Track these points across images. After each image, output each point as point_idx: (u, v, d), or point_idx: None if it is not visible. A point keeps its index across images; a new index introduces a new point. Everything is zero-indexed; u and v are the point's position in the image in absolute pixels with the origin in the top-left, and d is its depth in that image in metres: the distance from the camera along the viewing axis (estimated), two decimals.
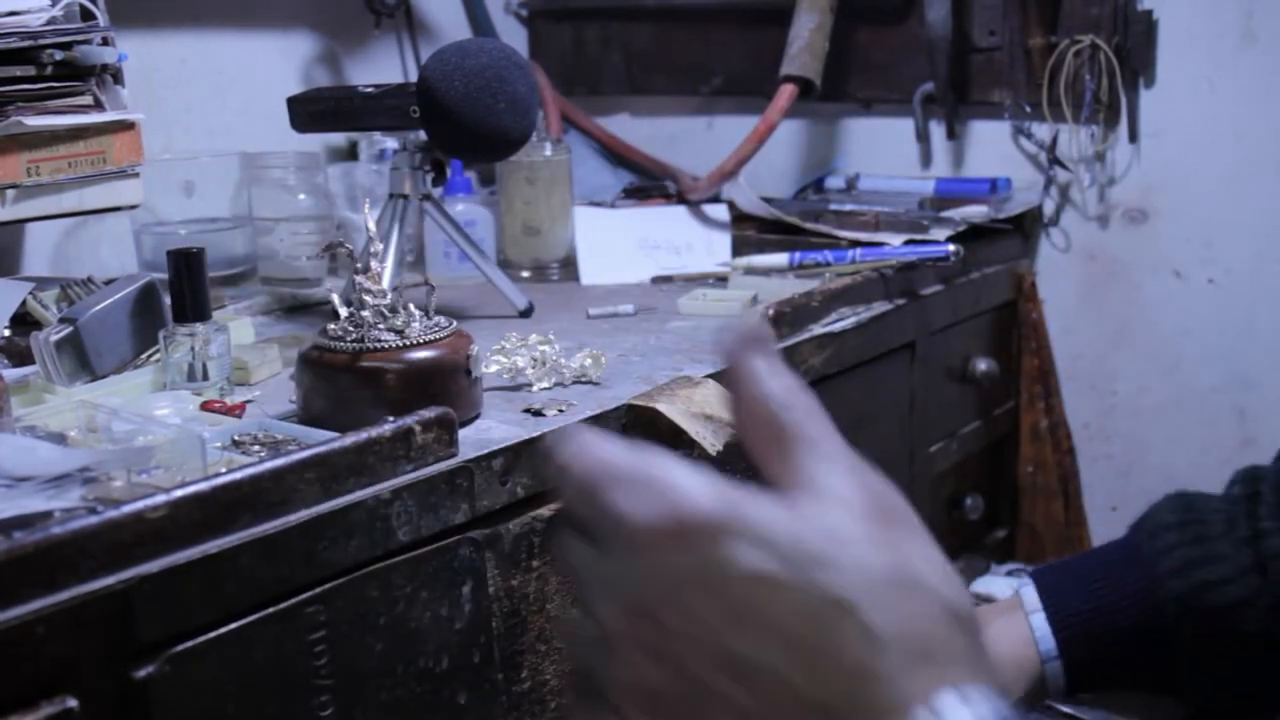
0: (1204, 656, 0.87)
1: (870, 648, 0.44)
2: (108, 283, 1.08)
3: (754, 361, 0.51)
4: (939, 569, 0.47)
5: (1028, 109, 1.56)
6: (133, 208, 1.15)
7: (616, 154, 1.77)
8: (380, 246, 0.92)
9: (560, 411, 0.93)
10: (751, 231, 1.55)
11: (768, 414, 0.51)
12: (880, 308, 1.27)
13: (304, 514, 0.72)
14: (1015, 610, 0.90)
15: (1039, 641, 0.89)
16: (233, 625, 0.68)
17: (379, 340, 0.87)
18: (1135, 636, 0.88)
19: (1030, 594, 0.91)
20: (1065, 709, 1.23)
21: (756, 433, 0.52)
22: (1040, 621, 0.89)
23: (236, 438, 0.86)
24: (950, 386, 1.46)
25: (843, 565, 0.45)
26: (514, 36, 1.94)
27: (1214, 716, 0.90)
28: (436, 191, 1.28)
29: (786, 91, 1.55)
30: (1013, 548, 1.64)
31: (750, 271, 1.36)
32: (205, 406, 0.93)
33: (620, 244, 1.48)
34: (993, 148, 1.62)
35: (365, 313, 0.88)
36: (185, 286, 0.97)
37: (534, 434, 0.87)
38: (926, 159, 1.68)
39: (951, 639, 0.46)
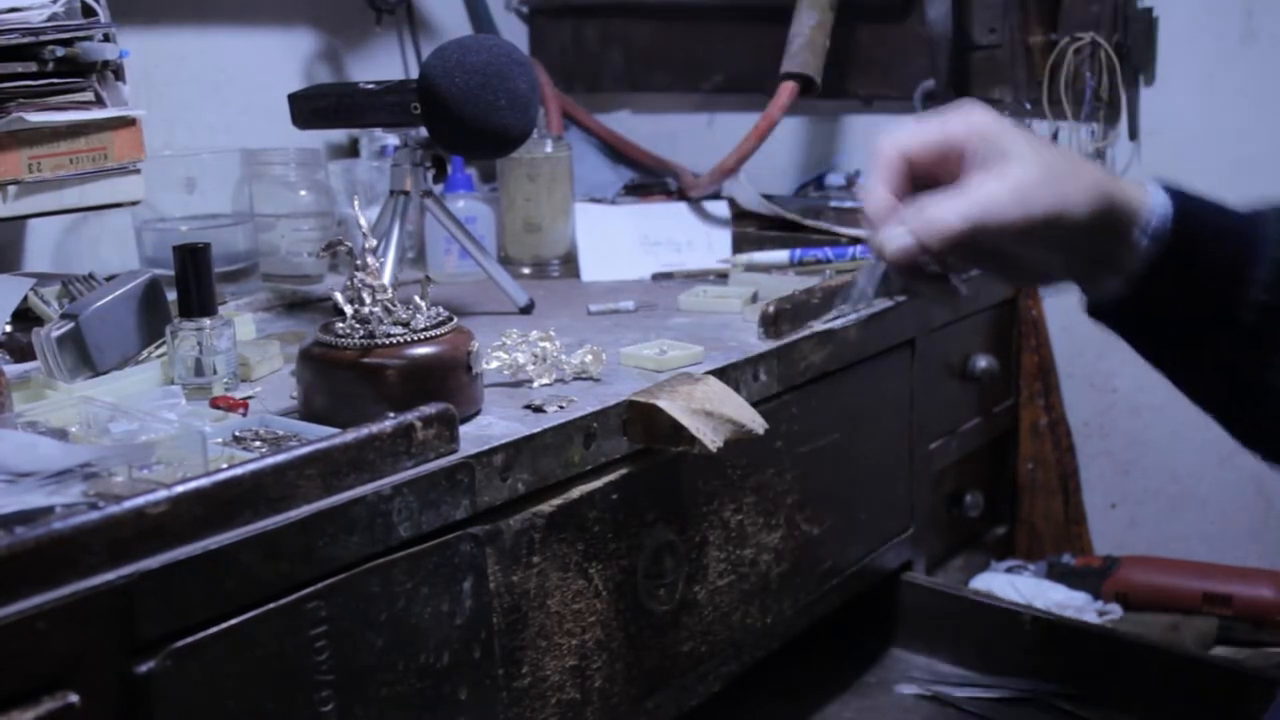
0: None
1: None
2: (109, 279, 1.08)
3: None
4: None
5: (1028, 106, 1.56)
6: (134, 204, 1.16)
7: (617, 151, 1.77)
8: (376, 242, 0.92)
9: (561, 408, 0.93)
10: (752, 228, 1.56)
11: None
12: (880, 305, 1.27)
13: (305, 510, 0.72)
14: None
15: (1154, 209, 0.78)
16: (234, 621, 0.68)
17: (388, 335, 0.87)
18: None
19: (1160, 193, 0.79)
20: (1065, 707, 1.23)
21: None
22: (1161, 203, 0.78)
23: (237, 434, 0.86)
24: (950, 384, 1.47)
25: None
26: (515, 33, 1.94)
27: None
28: (437, 188, 1.28)
29: (787, 89, 1.55)
30: (1012, 545, 1.65)
31: (751, 268, 1.36)
32: (214, 402, 0.93)
33: (621, 241, 1.49)
34: None
35: (369, 308, 0.88)
36: (191, 281, 0.97)
37: (534, 430, 0.87)
38: None
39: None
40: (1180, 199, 0.79)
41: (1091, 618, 1.42)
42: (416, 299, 0.91)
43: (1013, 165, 0.76)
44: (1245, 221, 0.80)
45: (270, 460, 0.71)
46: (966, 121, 0.79)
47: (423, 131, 1.19)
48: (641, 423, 0.95)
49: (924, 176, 0.80)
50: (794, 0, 1.60)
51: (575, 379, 1.01)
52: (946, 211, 0.76)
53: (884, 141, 0.83)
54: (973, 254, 0.81)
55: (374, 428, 0.77)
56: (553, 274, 1.48)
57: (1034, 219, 0.75)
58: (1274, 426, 0.82)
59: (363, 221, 0.92)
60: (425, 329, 0.89)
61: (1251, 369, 0.79)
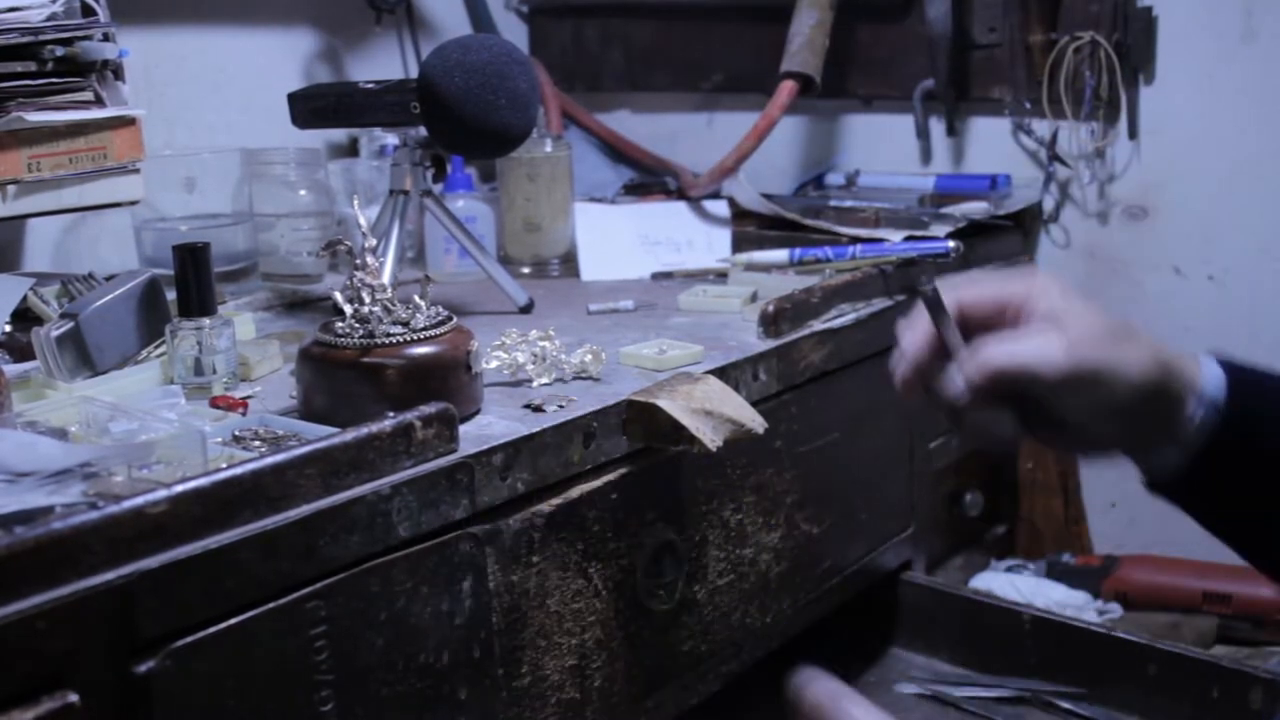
0: None
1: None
2: (109, 279, 1.08)
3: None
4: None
5: (1028, 106, 1.56)
6: (133, 204, 1.16)
7: (617, 150, 1.77)
8: (376, 242, 0.92)
9: (560, 407, 0.93)
10: (752, 228, 1.56)
11: None
12: (880, 304, 1.27)
13: (304, 509, 0.72)
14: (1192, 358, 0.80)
15: (1209, 379, 0.79)
16: (233, 620, 0.68)
17: (388, 335, 0.87)
18: None
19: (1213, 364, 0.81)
20: (1065, 706, 1.23)
21: None
22: (1215, 374, 0.79)
23: (237, 433, 0.86)
24: None
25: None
26: (515, 33, 1.94)
27: None
28: (437, 188, 1.28)
29: (787, 88, 1.55)
30: (1012, 544, 1.64)
31: (750, 267, 1.36)
32: (213, 402, 0.93)
33: (621, 240, 1.49)
34: (993, 144, 1.62)
35: (369, 308, 0.88)
36: (191, 281, 0.97)
37: (534, 430, 0.87)
38: (926, 156, 1.68)
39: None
40: (1234, 370, 0.80)
41: (1091, 617, 1.42)
42: (416, 298, 0.91)
43: (1070, 319, 0.77)
44: None
45: (270, 460, 0.71)
46: (1029, 281, 0.80)
47: (423, 131, 1.19)
48: (641, 422, 0.95)
49: (977, 330, 0.80)
50: (794, 0, 1.60)
51: (575, 378, 1.01)
52: (994, 350, 0.76)
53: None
54: (1024, 406, 0.80)
55: (374, 427, 0.77)
56: (553, 273, 1.48)
57: (1082, 371, 0.75)
58: None
59: (362, 221, 0.92)
60: (425, 328, 0.89)
61: None
